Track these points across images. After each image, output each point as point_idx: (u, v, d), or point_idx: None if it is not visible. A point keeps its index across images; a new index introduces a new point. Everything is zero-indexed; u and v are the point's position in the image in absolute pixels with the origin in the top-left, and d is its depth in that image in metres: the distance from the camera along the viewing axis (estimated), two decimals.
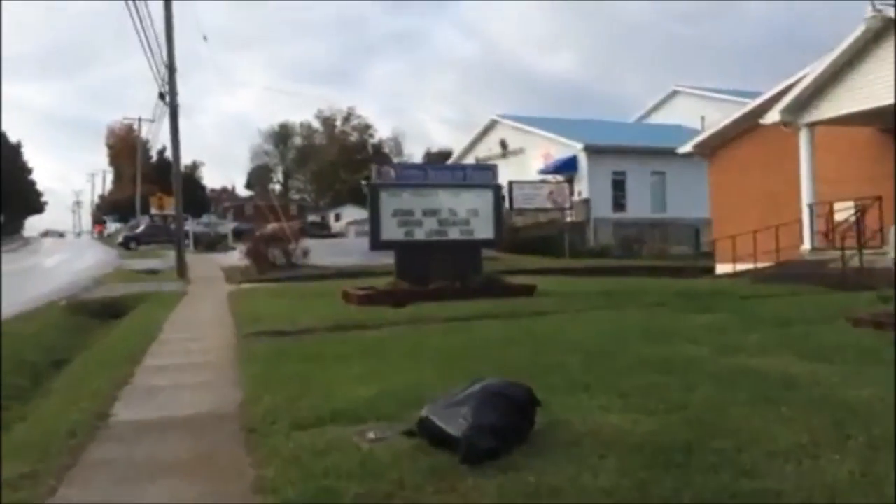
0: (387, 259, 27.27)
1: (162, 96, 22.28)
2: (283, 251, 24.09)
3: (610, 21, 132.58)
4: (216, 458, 4.55)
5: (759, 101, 18.52)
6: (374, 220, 13.15)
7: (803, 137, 15.70)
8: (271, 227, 30.24)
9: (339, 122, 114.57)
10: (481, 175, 13.70)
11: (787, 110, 15.45)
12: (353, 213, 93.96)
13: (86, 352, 9.82)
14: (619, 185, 33.33)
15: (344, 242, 45.27)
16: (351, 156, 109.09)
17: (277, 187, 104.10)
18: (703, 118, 40.39)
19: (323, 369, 6.73)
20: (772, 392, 5.18)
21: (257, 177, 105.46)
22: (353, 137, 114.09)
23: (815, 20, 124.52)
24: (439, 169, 13.29)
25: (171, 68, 22.30)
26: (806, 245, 15.53)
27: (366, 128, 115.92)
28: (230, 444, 4.82)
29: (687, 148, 21.73)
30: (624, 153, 33.04)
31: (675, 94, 43.01)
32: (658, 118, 43.19)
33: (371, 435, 4.53)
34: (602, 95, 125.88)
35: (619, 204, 33.33)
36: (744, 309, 9.97)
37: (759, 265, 17.44)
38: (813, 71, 15.11)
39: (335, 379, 6.23)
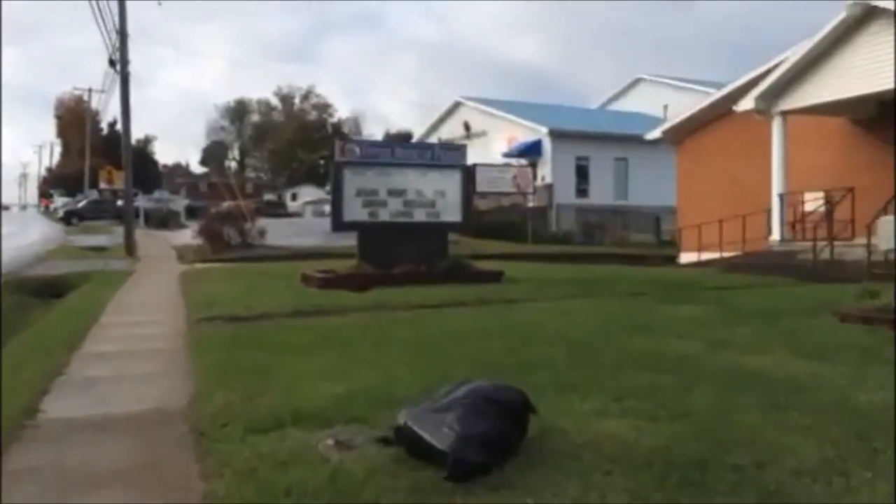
0: (347, 241, 26.60)
1: (112, 63, 21.13)
2: (238, 230, 23.24)
3: (573, 8, 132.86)
4: (159, 465, 3.94)
5: (730, 87, 18.25)
6: (337, 200, 12.50)
7: (776, 126, 15.44)
8: (226, 204, 29.25)
9: (297, 101, 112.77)
10: (450, 155, 13.12)
11: (762, 97, 15.13)
12: (310, 193, 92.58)
13: (19, 335, 9.04)
14: (582, 171, 33.04)
15: (301, 222, 44.32)
16: (309, 135, 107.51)
17: (233, 165, 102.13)
18: (665, 107, 40.41)
19: (283, 361, 6.13)
20: (778, 396, 4.75)
21: (212, 153, 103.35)
22: (312, 116, 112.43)
23: (783, 14, 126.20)
24: (407, 147, 12.71)
25: (123, 34, 21.18)
26: (775, 235, 15.31)
27: (325, 107, 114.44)
28: (176, 448, 4.21)
29: (655, 134, 21.44)
30: (588, 139, 32.73)
31: (638, 81, 42.89)
32: (620, 105, 43.07)
33: (330, 442, 3.96)
34: (563, 83, 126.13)
35: (581, 190, 33.06)
36: (723, 300, 9.60)
37: (725, 255, 17.23)
38: (790, 58, 14.81)
39: (297, 373, 5.65)
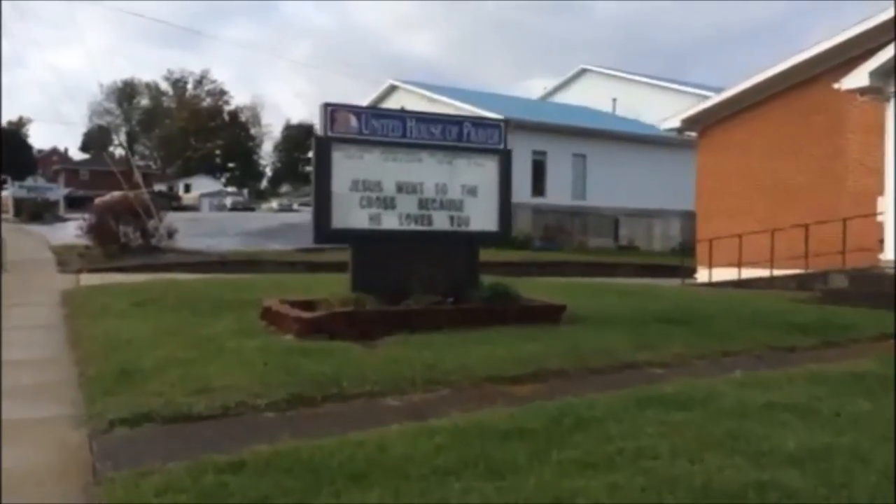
0: (279, 244, 21.90)
1: None
2: (139, 229, 18.20)
3: (469, 5, 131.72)
4: None
5: (779, 67, 14.92)
6: (322, 196, 8.12)
7: (891, 110, 11.99)
8: (118, 194, 23.71)
9: (190, 86, 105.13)
10: (483, 133, 8.98)
11: (879, 72, 11.65)
12: (205, 185, 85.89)
13: None
14: (538, 167, 29.39)
15: (204, 218, 39.08)
16: (203, 123, 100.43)
17: (119, 151, 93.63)
18: (614, 100, 37.60)
19: None
20: None
21: (96, 138, 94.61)
22: (206, 102, 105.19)
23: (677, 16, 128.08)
24: (426, 121, 8.47)
25: None
26: (889, 254, 11.90)
27: (221, 93, 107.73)
28: None
29: (672, 123, 17.86)
30: (546, 132, 29.08)
31: (583, 72, 39.79)
32: (563, 98, 39.86)
33: None
34: (460, 77, 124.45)
35: (537, 188, 29.41)
36: None
37: (779, 273, 13.87)
38: None
39: None
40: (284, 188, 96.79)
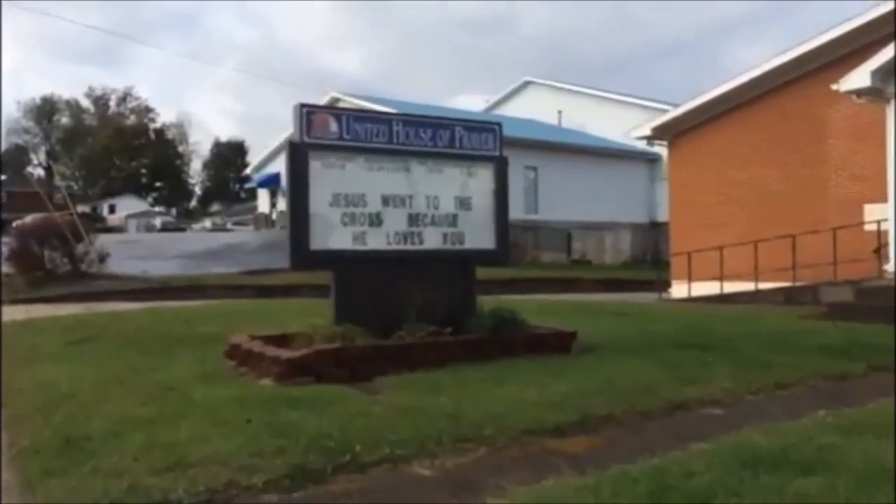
0: (221, 266, 20.34)
1: None
2: (67, 253, 16.49)
3: (399, 25, 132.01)
4: None
5: (753, 72, 14.38)
6: (299, 212, 6.92)
7: (892, 112, 11.37)
8: (39, 216, 21.73)
9: (113, 103, 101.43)
10: (477, 138, 7.94)
11: (881, 72, 11.03)
12: (130, 205, 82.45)
13: None
14: None
15: (137, 240, 36.89)
16: (128, 141, 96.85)
17: (38, 171, 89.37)
18: (560, 112, 37.21)
19: None
20: None
21: (12, 158, 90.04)
22: (131, 120, 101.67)
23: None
24: (414, 124, 7.39)
25: None
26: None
27: (146, 111, 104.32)
28: None
29: (642, 132, 17.12)
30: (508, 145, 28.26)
31: (526, 85, 39.27)
32: (506, 111, 39.23)
33: None
34: (393, 96, 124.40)
35: None
36: None
37: (766, 286, 13.22)
38: None
39: None
40: (215, 207, 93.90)
